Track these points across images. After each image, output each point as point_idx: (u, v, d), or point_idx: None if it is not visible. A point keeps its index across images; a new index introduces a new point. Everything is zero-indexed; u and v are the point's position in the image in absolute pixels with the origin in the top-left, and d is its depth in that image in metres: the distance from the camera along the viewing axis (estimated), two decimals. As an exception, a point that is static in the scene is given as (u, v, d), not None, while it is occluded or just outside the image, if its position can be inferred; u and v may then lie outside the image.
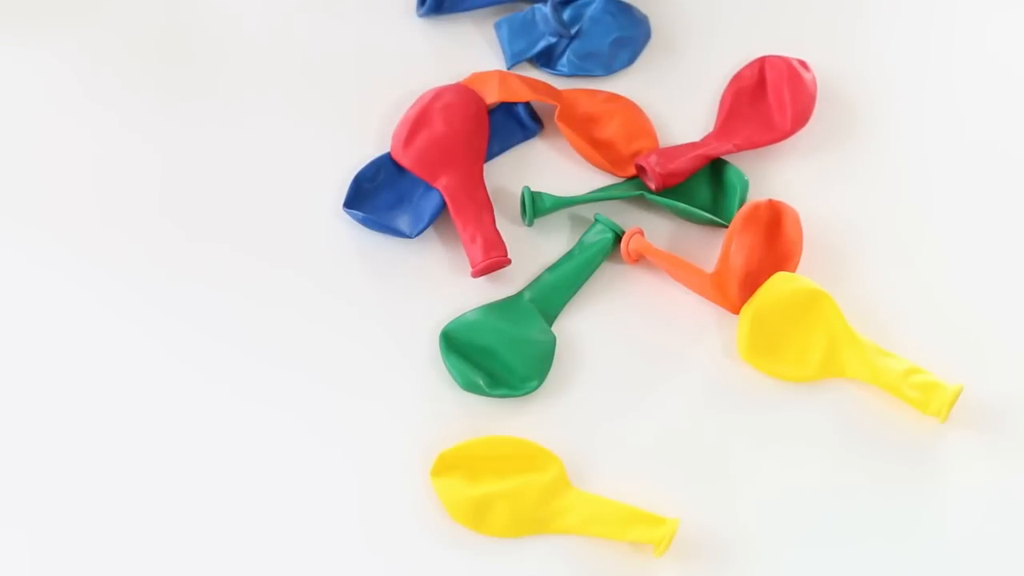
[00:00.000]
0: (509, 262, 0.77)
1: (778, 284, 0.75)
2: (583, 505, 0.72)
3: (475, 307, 0.76)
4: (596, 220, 0.78)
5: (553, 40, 0.82)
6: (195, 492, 0.72)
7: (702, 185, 0.80)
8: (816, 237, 0.78)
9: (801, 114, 0.81)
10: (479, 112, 0.81)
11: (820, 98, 0.81)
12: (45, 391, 0.74)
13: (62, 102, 0.81)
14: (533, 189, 0.79)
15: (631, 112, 0.82)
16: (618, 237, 0.78)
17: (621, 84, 0.83)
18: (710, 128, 0.82)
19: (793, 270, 0.77)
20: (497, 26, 0.83)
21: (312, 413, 0.74)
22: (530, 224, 0.79)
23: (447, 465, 0.72)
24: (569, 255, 0.78)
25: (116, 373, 0.74)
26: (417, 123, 0.80)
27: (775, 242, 0.77)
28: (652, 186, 0.79)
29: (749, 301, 0.75)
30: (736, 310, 0.76)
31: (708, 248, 0.78)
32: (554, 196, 0.78)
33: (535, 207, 0.78)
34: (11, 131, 0.80)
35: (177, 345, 0.75)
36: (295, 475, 0.73)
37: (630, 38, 0.83)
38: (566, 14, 0.84)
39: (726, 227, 0.77)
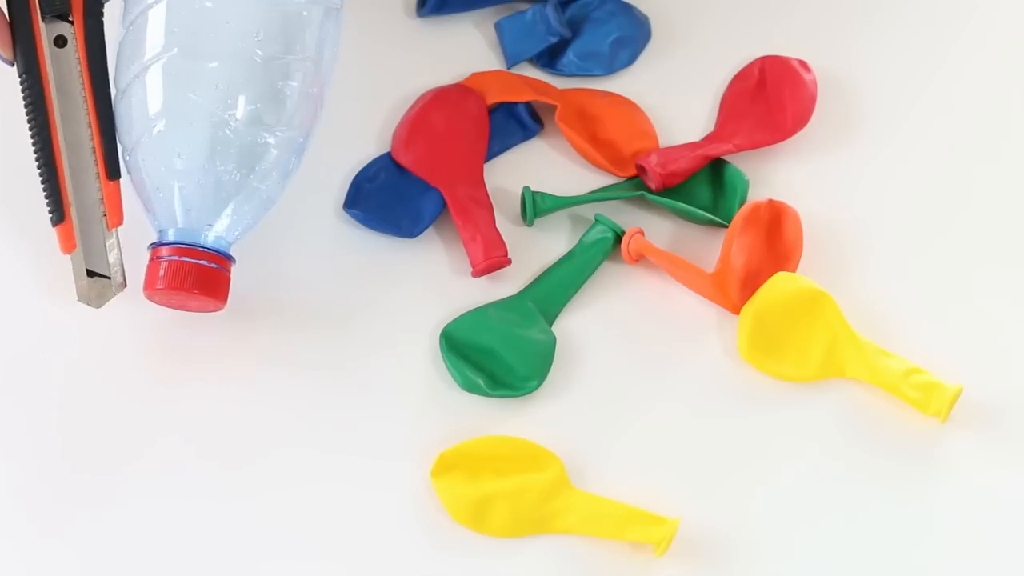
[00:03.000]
0: (509, 262, 0.77)
1: (778, 284, 0.75)
2: (583, 505, 0.71)
3: (475, 307, 0.76)
4: (596, 220, 0.78)
5: (554, 40, 0.82)
6: (195, 488, 0.72)
7: (702, 185, 0.80)
8: (816, 237, 0.78)
9: (801, 114, 0.81)
10: (479, 112, 0.80)
11: (820, 98, 0.81)
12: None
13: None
14: (533, 189, 0.79)
15: (631, 112, 0.82)
16: (618, 237, 0.78)
17: (621, 84, 0.83)
18: (710, 128, 0.82)
19: (793, 270, 0.77)
20: (497, 26, 0.83)
21: (312, 413, 0.74)
22: (530, 224, 0.79)
23: (447, 465, 0.72)
24: (569, 255, 0.78)
25: (120, 369, 0.75)
26: (417, 123, 0.80)
27: (775, 242, 0.77)
28: (652, 186, 0.79)
29: (749, 301, 0.75)
30: (736, 310, 0.76)
31: (708, 248, 0.78)
32: (554, 196, 0.78)
33: (535, 207, 0.78)
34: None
35: (176, 346, 0.75)
36: (295, 474, 0.72)
37: (630, 38, 0.83)
38: (567, 14, 0.83)
39: (726, 227, 0.77)
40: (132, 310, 0.74)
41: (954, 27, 0.85)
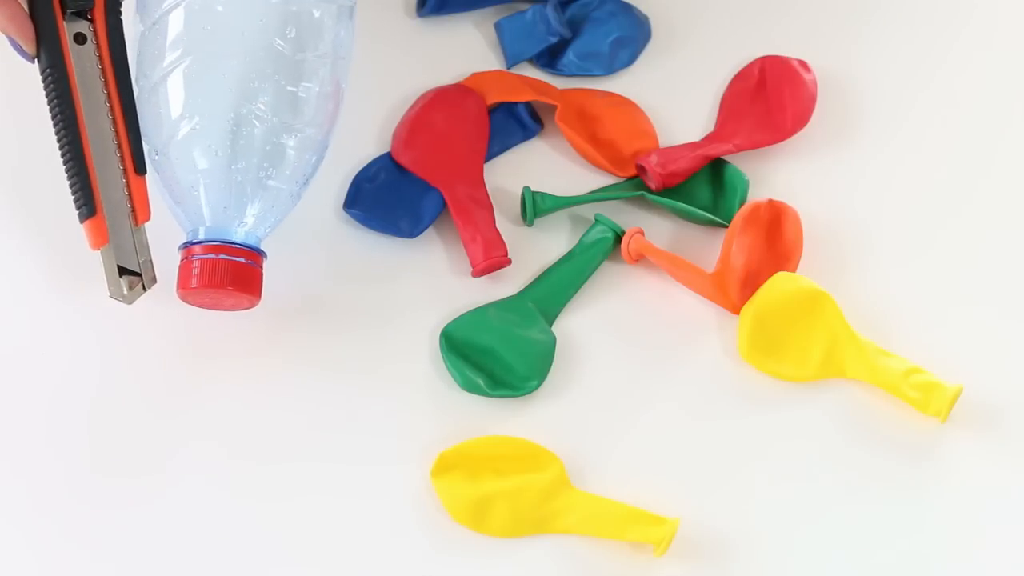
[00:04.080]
0: (509, 262, 0.77)
1: (778, 284, 0.75)
2: (583, 505, 0.72)
3: (475, 307, 0.76)
4: (596, 220, 0.78)
5: (554, 40, 0.82)
6: (195, 489, 0.72)
7: (702, 185, 0.80)
8: (816, 237, 0.78)
9: (801, 114, 0.81)
10: (479, 112, 0.81)
11: (820, 98, 0.81)
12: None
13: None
14: (533, 189, 0.79)
15: (631, 112, 0.82)
16: (618, 237, 0.78)
17: (621, 84, 0.83)
18: (710, 128, 0.82)
19: (793, 270, 0.77)
20: (497, 26, 0.83)
21: (312, 413, 0.74)
22: (530, 224, 0.79)
23: (447, 465, 0.72)
24: (569, 255, 0.78)
25: (124, 362, 0.75)
26: (417, 123, 0.80)
27: (775, 242, 0.77)
28: (652, 186, 0.79)
29: (749, 301, 0.75)
30: (736, 310, 0.76)
31: (708, 248, 0.78)
32: (554, 196, 0.78)
33: (535, 207, 0.78)
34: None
35: (176, 349, 0.75)
36: (293, 474, 0.72)
37: (630, 38, 0.83)
38: (567, 14, 0.83)
39: (726, 227, 0.77)
40: (130, 311, 0.74)
41: (954, 27, 0.85)
